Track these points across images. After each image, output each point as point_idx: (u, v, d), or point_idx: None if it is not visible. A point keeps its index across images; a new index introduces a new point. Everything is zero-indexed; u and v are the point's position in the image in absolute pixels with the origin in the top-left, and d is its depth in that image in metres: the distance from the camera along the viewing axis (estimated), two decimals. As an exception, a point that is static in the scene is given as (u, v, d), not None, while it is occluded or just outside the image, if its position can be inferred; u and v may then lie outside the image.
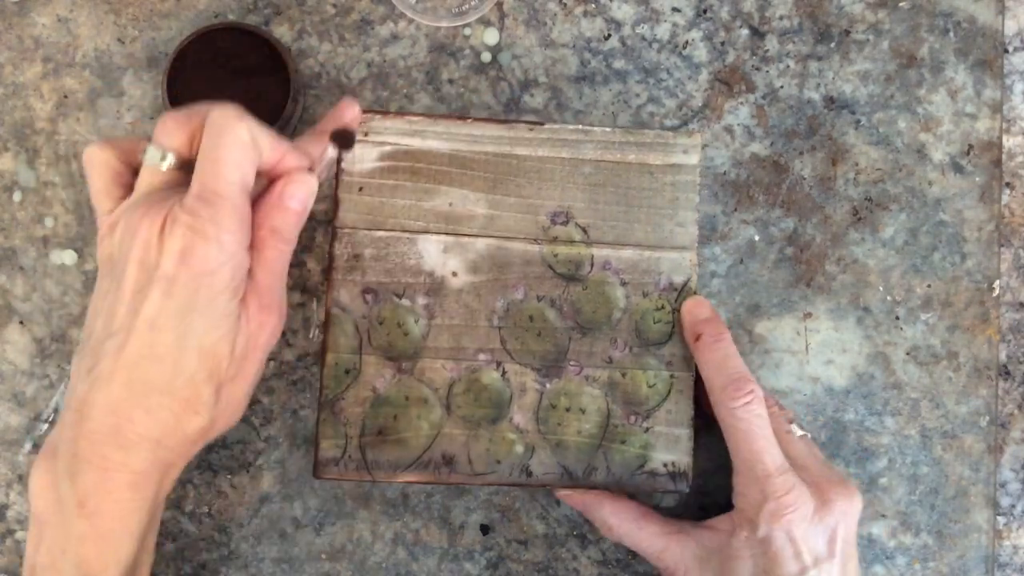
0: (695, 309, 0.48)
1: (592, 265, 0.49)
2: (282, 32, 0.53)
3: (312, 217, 0.53)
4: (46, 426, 0.52)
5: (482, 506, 0.53)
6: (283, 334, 0.53)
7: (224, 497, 0.52)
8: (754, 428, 0.45)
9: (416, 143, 0.48)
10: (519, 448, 0.48)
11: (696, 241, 0.49)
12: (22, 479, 0.52)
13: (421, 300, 0.48)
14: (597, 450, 0.48)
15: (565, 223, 0.49)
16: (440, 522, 0.53)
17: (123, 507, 0.41)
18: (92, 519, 0.40)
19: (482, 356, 0.48)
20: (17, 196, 0.53)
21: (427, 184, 0.48)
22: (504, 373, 0.48)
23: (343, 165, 0.48)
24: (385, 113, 0.48)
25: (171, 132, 0.42)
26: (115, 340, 0.40)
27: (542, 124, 0.48)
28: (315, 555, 0.53)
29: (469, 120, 0.48)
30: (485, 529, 0.53)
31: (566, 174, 0.49)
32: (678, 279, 0.49)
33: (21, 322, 0.52)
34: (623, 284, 0.49)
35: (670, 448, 0.48)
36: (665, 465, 0.48)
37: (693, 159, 0.49)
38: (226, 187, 0.40)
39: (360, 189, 0.48)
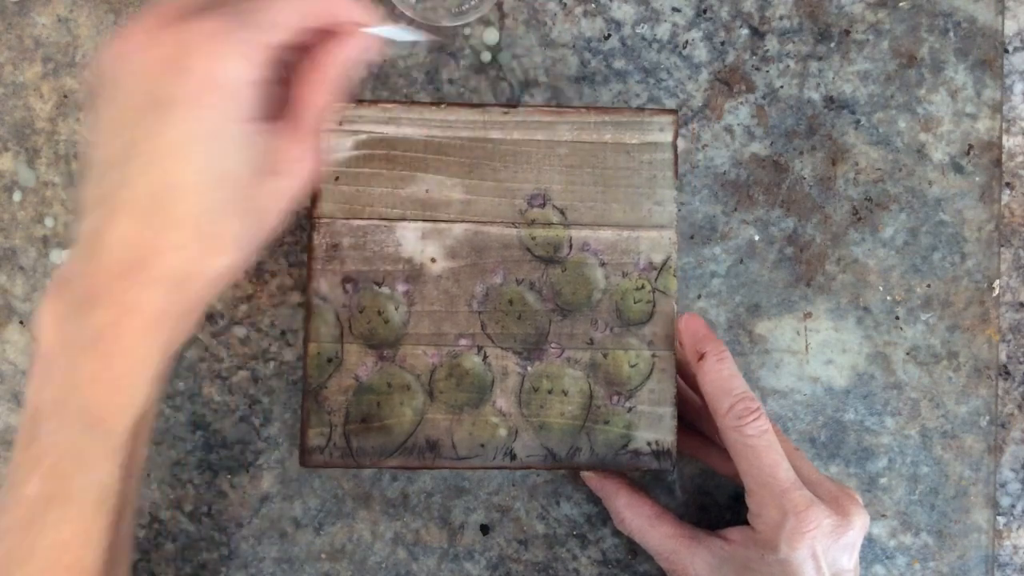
0: (692, 326, 0.48)
1: (570, 247, 0.49)
2: (282, 32, 0.53)
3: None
4: (46, 426, 0.52)
5: (482, 506, 0.53)
6: (282, 333, 0.53)
7: (224, 497, 0.52)
8: (764, 444, 0.45)
9: (391, 130, 0.48)
10: (502, 431, 0.48)
11: (675, 219, 0.49)
12: (22, 479, 0.52)
13: (400, 287, 0.48)
14: (580, 431, 0.48)
15: (542, 205, 0.49)
16: (440, 522, 0.53)
17: (137, 351, 0.38)
18: (105, 360, 0.37)
19: (463, 341, 0.48)
20: (17, 196, 0.53)
21: (403, 171, 0.48)
22: (485, 357, 0.48)
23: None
24: (359, 102, 0.48)
25: None
26: (129, 168, 0.36)
27: (515, 106, 0.48)
28: (315, 555, 0.53)
29: (443, 105, 0.48)
30: (485, 529, 0.53)
31: (542, 156, 0.49)
32: (657, 258, 0.49)
33: (21, 322, 0.52)
34: (602, 265, 0.49)
35: (653, 427, 0.48)
36: (649, 444, 0.48)
37: (669, 136, 0.49)
38: (269, 18, 0.37)
39: (336, 178, 0.48)
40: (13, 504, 0.38)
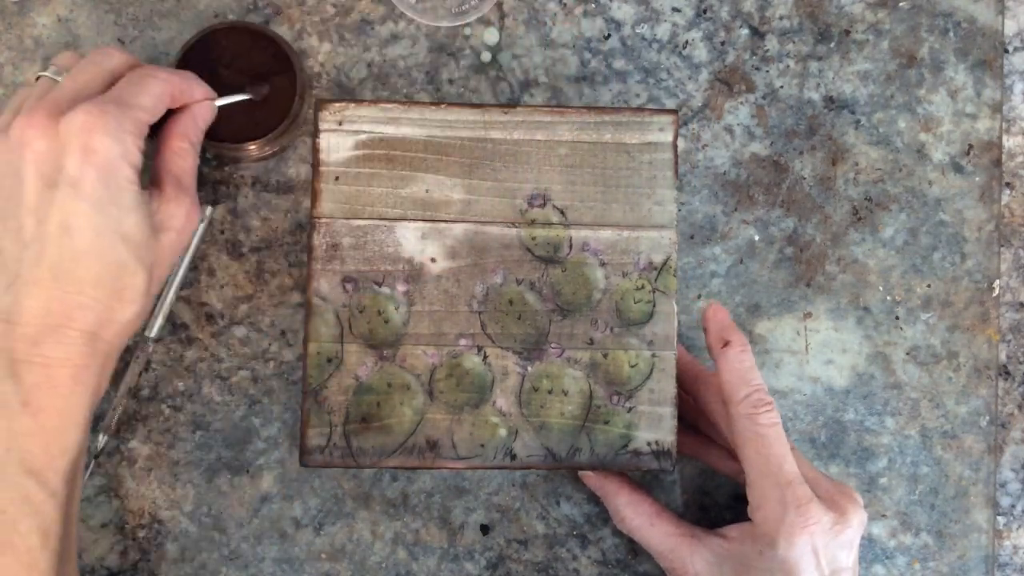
0: (720, 315, 0.48)
1: (571, 247, 0.49)
2: (282, 32, 0.53)
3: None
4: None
5: (482, 506, 0.53)
6: (282, 333, 0.53)
7: (224, 497, 0.52)
8: (775, 434, 0.45)
9: (391, 130, 0.48)
10: (502, 431, 0.48)
11: (675, 219, 0.49)
12: (22, 479, 0.52)
13: (400, 287, 0.48)
14: (580, 431, 0.48)
15: (542, 205, 0.49)
16: (440, 522, 0.53)
17: (68, 400, 0.42)
18: (38, 416, 0.42)
19: (463, 341, 0.48)
20: (17, 196, 0.53)
21: (403, 171, 0.48)
22: (485, 357, 0.48)
23: (320, 155, 0.48)
24: (359, 102, 0.48)
25: (75, 62, 0.46)
26: (31, 250, 0.42)
27: (515, 106, 0.48)
28: (315, 555, 0.53)
29: (443, 105, 0.48)
30: (485, 529, 0.53)
31: (542, 156, 0.49)
32: (657, 258, 0.49)
33: (21, 322, 0.52)
34: (602, 265, 0.49)
35: (653, 427, 0.48)
36: (649, 444, 0.48)
37: (669, 136, 0.49)
38: (140, 101, 0.44)
39: (336, 178, 0.48)
40: None
